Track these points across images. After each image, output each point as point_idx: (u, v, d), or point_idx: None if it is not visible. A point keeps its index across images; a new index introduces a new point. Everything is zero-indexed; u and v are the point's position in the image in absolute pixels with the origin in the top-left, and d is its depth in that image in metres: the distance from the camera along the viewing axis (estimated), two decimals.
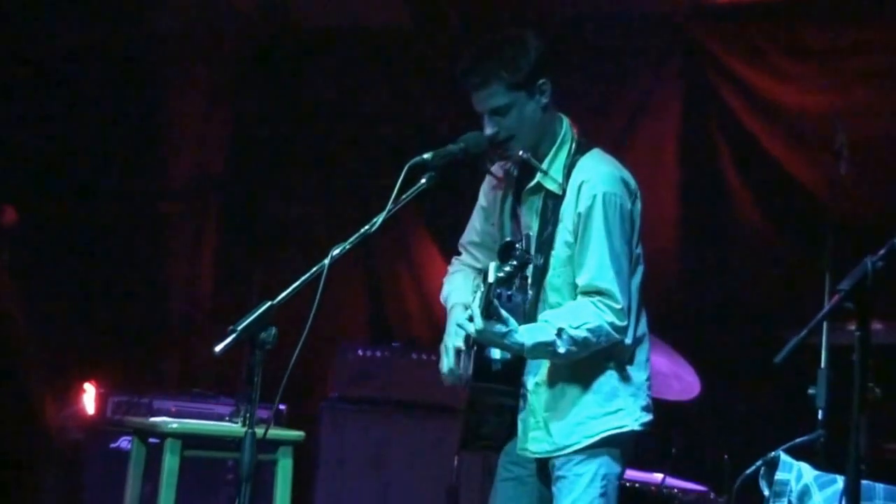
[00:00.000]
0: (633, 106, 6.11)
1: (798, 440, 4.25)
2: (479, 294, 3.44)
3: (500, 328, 3.45)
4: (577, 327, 3.55)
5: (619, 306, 3.61)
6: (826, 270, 4.53)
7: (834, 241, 4.66)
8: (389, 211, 3.43)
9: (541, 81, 3.69)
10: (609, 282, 3.61)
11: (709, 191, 5.91)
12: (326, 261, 3.33)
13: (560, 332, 3.54)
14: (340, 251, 3.37)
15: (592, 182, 3.66)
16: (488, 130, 3.68)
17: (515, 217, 3.84)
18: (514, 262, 3.41)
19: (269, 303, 3.27)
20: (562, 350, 3.55)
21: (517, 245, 3.45)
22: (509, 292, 3.44)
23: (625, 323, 3.63)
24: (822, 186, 5.50)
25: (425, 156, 3.52)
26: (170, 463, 4.88)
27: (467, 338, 3.70)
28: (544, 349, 3.56)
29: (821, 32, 5.69)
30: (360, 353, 5.77)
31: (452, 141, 3.63)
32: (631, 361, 3.75)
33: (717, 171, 5.88)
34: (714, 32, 5.91)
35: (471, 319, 3.46)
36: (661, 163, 5.96)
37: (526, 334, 3.51)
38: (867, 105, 5.47)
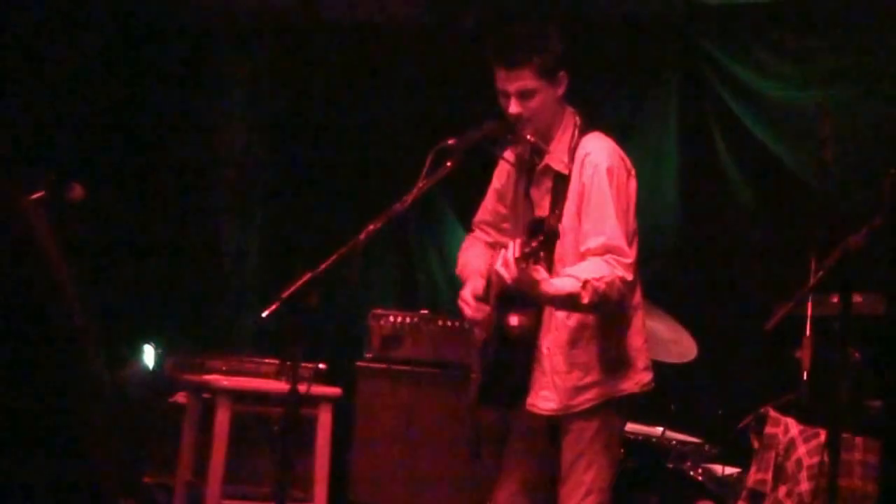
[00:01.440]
0: (635, 96, 6.09)
1: (785, 398, 4.24)
2: (511, 246, 3.36)
3: (534, 274, 3.38)
4: (598, 279, 3.47)
5: (629, 261, 3.54)
6: (812, 248, 4.50)
7: (819, 221, 4.63)
8: (418, 190, 3.43)
9: (561, 73, 3.67)
10: (618, 239, 3.55)
11: (706, 175, 5.88)
12: (361, 235, 3.34)
13: (585, 283, 3.44)
14: (374, 227, 3.37)
15: (594, 154, 3.63)
16: (514, 109, 3.62)
17: (528, 197, 3.83)
18: (542, 238, 3.36)
19: (310, 273, 3.28)
20: (585, 301, 3.45)
21: (545, 222, 3.42)
22: (535, 266, 3.39)
23: (631, 278, 3.55)
24: (806, 171, 5.46)
25: (449, 141, 3.51)
26: (221, 416, 4.91)
27: (486, 287, 3.70)
28: (570, 300, 3.48)
29: (797, 34, 5.66)
30: (391, 319, 5.76)
31: (472, 128, 3.60)
32: (629, 328, 3.72)
33: (713, 157, 5.85)
34: (707, 32, 5.89)
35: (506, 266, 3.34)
36: (661, 151, 5.94)
37: (554, 285, 3.45)
38: (840, 100, 5.43)
